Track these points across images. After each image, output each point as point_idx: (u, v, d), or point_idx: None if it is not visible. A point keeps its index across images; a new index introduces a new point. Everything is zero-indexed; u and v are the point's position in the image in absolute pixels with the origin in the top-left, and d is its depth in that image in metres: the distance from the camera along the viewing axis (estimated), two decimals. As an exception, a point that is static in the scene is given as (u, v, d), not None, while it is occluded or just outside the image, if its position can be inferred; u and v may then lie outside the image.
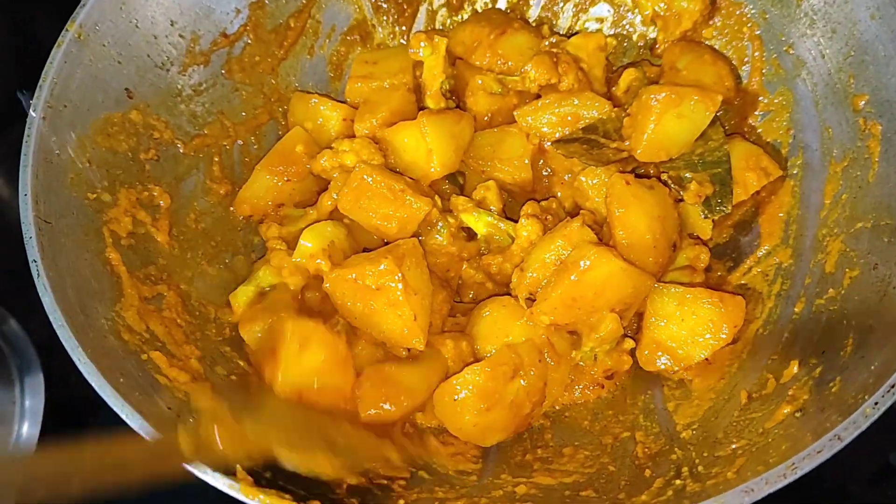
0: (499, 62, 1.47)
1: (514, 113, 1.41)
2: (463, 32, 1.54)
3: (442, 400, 1.21)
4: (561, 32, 1.60)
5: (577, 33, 1.54)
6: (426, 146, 1.34)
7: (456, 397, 1.19)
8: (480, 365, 1.19)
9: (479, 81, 1.41)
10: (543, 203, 1.37)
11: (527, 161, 1.40)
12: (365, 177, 1.28)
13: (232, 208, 1.45)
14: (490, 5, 1.63)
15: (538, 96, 1.43)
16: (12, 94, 1.79)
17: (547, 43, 1.47)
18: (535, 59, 1.41)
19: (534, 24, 1.60)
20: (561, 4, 1.61)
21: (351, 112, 1.47)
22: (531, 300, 1.25)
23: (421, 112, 1.39)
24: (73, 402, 1.51)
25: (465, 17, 1.64)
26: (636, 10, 1.55)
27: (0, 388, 1.49)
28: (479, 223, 1.35)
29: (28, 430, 1.48)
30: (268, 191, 1.43)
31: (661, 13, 1.49)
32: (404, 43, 1.63)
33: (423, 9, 1.64)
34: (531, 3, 1.62)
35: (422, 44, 1.47)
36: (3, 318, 1.54)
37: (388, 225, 1.30)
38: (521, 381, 1.22)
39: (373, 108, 1.44)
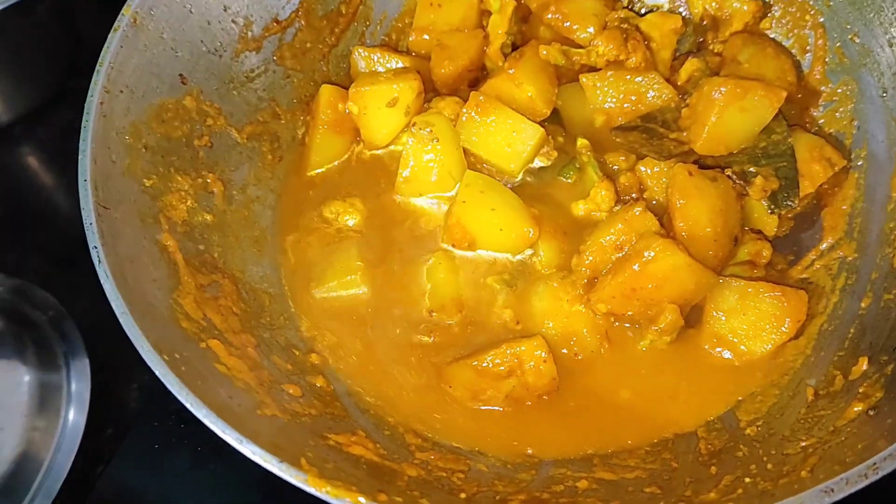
0: (564, 24, 1.43)
1: (581, 77, 1.39)
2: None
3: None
4: (630, 7, 1.56)
5: (651, 11, 1.50)
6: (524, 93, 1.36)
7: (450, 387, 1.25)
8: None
9: (544, 52, 1.39)
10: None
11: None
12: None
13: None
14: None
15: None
16: (54, 81, 1.78)
17: (616, 16, 1.43)
18: (606, 33, 1.38)
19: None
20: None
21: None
22: (591, 285, 1.23)
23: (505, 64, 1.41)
24: (117, 387, 1.50)
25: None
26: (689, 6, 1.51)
27: (47, 373, 1.47)
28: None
29: (74, 416, 1.45)
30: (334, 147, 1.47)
31: (713, 13, 1.47)
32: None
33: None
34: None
35: None
36: (49, 303, 1.53)
37: None
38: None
39: (449, 56, 1.47)
